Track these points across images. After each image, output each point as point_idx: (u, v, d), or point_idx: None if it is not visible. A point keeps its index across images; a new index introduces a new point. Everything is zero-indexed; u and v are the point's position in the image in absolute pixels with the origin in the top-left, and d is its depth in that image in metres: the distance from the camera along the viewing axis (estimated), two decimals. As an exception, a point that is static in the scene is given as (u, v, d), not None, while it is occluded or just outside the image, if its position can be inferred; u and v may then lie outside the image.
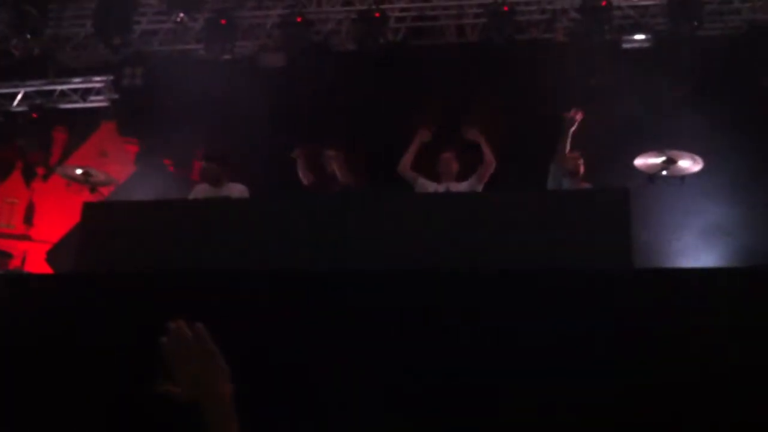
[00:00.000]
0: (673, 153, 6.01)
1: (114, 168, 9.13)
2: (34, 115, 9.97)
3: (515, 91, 8.52)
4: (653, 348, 3.86)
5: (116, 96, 10.08)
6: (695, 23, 8.37)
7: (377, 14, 9.09)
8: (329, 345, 4.22)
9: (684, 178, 6.06)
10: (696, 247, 7.29)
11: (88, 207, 5.97)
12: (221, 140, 8.74)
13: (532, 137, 7.68)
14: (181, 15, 9.30)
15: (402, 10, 9.49)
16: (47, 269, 9.14)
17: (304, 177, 7.14)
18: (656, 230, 6.77)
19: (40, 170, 10.67)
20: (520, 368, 3.90)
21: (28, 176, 10.74)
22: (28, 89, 10.27)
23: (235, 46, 9.52)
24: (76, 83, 10.23)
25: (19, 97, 10.32)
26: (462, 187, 6.65)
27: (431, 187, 6.72)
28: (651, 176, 6.00)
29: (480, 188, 6.64)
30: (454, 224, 5.05)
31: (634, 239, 4.79)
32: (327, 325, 4.29)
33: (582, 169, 6.40)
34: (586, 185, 6.38)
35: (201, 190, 6.84)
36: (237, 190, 6.69)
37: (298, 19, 9.27)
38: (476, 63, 8.94)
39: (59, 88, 10.26)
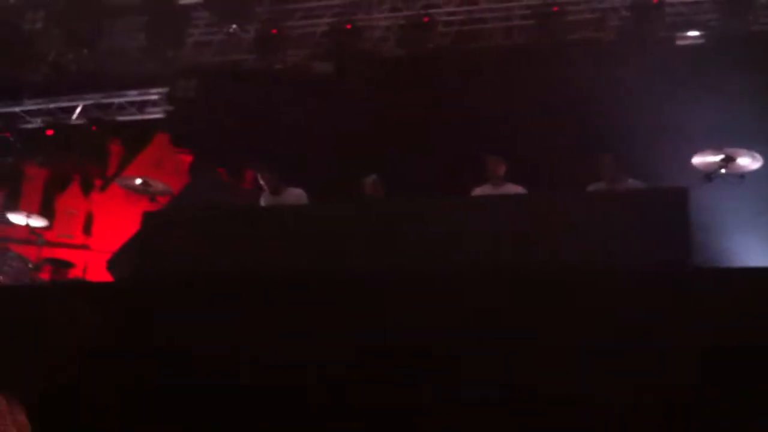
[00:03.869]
0: (732, 150, 5.90)
1: (169, 178, 9.28)
2: (93, 128, 10.22)
3: (565, 90, 8.44)
4: (712, 347, 3.81)
5: (171, 108, 10.27)
6: (749, 18, 8.22)
7: (425, 19, 9.11)
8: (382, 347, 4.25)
9: (743, 176, 5.94)
10: (756, 248, 7.13)
11: (148, 216, 6.11)
12: (271, 149, 8.83)
13: (583, 136, 7.63)
14: (233, 26, 9.44)
15: (449, 14, 9.49)
16: (108, 278, 9.34)
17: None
18: (715, 230, 6.65)
19: (97, 181, 10.90)
20: (577, 366, 3.89)
21: (86, 187, 10.97)
22: (86, 102, 10.52)
23: (286, 55, 9.62)
24: (133, 96, 10.46)
25: (78, 110, 10.58)
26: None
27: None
28: (709, 175, 5.89)
29: None
30: (509, 225, 5.03)
31: (693, 239, 4.72)
32: (385, 328, 4.32)
33: (616, 172, 6.25)
34: (633, 182, 6.25)
35: (263, 200, 6.99)
36: (295, 195, 6.83)
37: (348, 27, 9.34)
38: (525, 64, 8.89)
39: (116, 101, 10.50)
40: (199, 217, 6.32)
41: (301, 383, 4.40)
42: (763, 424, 3.64)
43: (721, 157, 5.87)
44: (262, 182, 7.04)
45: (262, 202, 7.01)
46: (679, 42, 8.56)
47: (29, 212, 9.25)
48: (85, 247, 10.28)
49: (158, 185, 7.32)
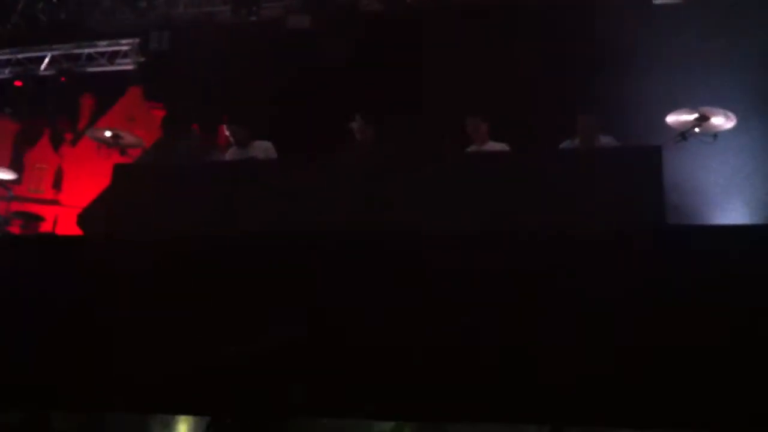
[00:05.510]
0: (706, 110, 5.89)
1: (141, 132, 9.15)
2: (62, 79, 10.04)
3: (542, 50, 8.39)
4: (688, 303, 3.83)
5: (143, 59, 10.11)
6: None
7: (403, -27, 8.99)
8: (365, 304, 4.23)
9: (716, 135, 5.95)
10: (727, 205, 7.20)
11: (118, 169, 6.00)
12: (246, 103, 8.73)
13: (558, 96, 7.61)
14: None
15: (429, -32, 9.36)
16: (78, 233, 9.25)
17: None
18: (688, 188, 6.69)
19: (68, 135, 10.74)
20: (557, 331, 3.89)
21: (57, 142, 10.82)
22: (55, 53, 10.33)
23: (260, 8, 9.46)
24: (103, 47, 10.27)
25: (47, 60, 10.38)
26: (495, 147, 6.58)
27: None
28: (683, 134, 5.90)
29: None
30: (485, 184, 5.00)
31: (666, 196, 4.73)
32: (360, 284, 4.29)
33: (592, 132, 6.29)
34: (607, 139, 6.28)
35: (230, 153, 6.88)
36: (262, 148, 6.69)
37: (324, -21, 9.21)
38: (506, 21, 8.83)
39: (86, 51, 10.31)
40: (173, 171, 6.22)
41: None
42: (731, 380, 3.67)
43: (696, 116, 5.87)
44: (228, 134, 6.94)
45: (229, 156, 6.90)
46: (657, 1, 8.51)
47: (-2, 166, 9.12)
48: (54, 202, 10.16)
49: (129, 137, 7.20)
